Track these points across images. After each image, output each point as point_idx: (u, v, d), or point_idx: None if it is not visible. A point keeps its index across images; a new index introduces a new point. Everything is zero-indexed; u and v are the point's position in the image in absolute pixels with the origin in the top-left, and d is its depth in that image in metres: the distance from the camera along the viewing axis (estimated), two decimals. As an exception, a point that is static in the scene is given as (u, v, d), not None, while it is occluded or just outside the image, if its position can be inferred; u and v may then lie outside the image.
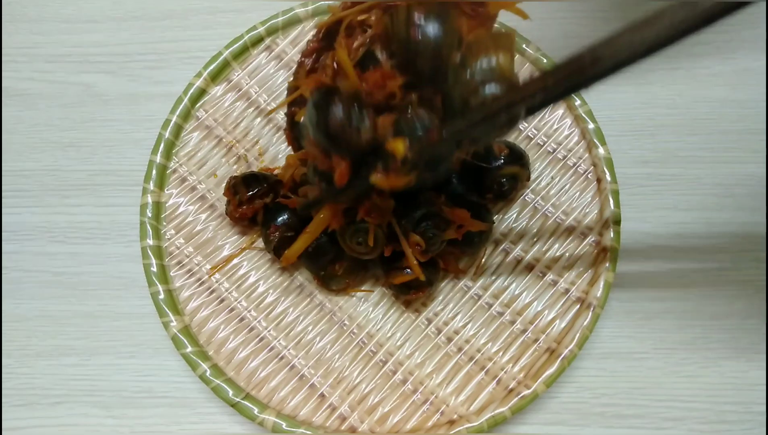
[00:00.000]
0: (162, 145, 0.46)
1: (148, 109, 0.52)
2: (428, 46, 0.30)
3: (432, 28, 0.30)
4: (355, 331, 0.43)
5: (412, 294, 0.41)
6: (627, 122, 0.51)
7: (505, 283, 0.44)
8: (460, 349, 0.43)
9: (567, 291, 0.43)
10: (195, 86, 0.48)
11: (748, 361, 0.45)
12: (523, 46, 0.47)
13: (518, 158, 0.43)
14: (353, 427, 0.40)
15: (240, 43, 0.49)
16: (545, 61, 0.47)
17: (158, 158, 0.46)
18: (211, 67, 0.48)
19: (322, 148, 0.32)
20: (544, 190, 0.47)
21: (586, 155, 0.46)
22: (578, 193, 0.46)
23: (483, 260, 0.45)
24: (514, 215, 0.46)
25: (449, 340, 0.43)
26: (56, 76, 0.54)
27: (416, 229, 0.38)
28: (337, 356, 0.43)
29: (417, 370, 0.42)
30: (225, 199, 0.45)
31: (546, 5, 0.53)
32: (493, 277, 0.44)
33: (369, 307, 0.44)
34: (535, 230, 0.46)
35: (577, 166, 0.46)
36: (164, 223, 0.45)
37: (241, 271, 0.45)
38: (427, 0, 0.32)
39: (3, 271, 0.48)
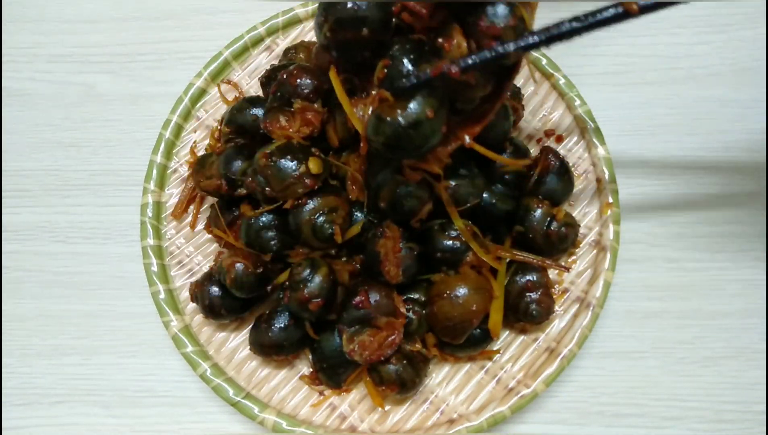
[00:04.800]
0: (162, 145, 0.46)
1: (149, 109, 0.53)
2: None
3: None
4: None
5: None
6: (627, 122, 0.51)
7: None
8: (459, 349, 0.43)
9: (566, 290, 0.43)
10: (195, 86, 0.48)
11: (747, 360, 0.45)
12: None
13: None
14: (353, 426, 0.40)
15: (240, 43, 0.49)
16: (545, 61, 0.47)
17: (159, 158, 0.46)
18: (212, 67, 0.48)
19: None
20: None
21: (586, 155, 0.46)
22: (578, 193, 0.46)
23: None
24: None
25: (449, 339, 0.43)
26: (57, 77, 0.54)
27: None
28: (337, 356, 0.43)
29: (417, 369, 0.42)
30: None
31: (546, 5, 0.53)
32: (493, 277, 0.44)
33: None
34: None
35: (577, 166, 0.46)
36: (165, 223, 0.45)
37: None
38: None
39: (3, 271, 0.49)
